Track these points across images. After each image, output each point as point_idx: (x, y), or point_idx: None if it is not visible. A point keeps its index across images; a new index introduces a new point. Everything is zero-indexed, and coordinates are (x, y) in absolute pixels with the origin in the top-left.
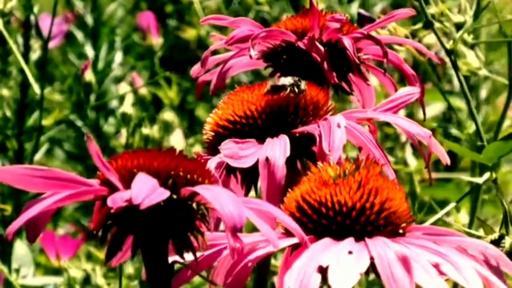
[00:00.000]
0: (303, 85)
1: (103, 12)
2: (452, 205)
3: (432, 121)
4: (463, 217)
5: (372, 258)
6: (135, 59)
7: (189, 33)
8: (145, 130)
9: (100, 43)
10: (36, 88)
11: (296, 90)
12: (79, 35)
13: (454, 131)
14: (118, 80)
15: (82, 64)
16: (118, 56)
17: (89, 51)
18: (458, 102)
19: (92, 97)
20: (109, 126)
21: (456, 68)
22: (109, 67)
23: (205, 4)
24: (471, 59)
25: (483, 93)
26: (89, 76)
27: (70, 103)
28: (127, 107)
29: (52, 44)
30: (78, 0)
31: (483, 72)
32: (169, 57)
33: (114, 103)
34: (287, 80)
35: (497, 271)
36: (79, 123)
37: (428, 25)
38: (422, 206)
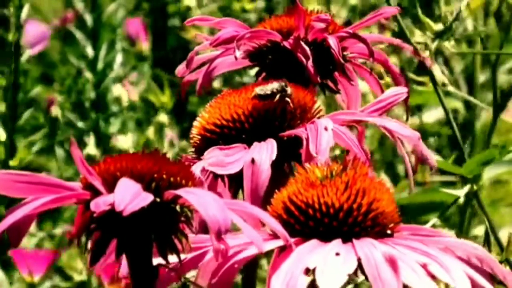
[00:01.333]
0: (289, 90)
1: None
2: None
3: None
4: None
5: (359, 259)
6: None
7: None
8: None
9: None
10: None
11: (283, 96)
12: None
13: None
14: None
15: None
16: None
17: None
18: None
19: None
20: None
21: (434, 81)
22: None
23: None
24: (437, 74)
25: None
26: (55, 111)
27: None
28: (92, 149)
29: (34, 51)
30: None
31: (450, 88)
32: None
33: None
34: (273, 87)
35: (485, 273)
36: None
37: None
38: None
